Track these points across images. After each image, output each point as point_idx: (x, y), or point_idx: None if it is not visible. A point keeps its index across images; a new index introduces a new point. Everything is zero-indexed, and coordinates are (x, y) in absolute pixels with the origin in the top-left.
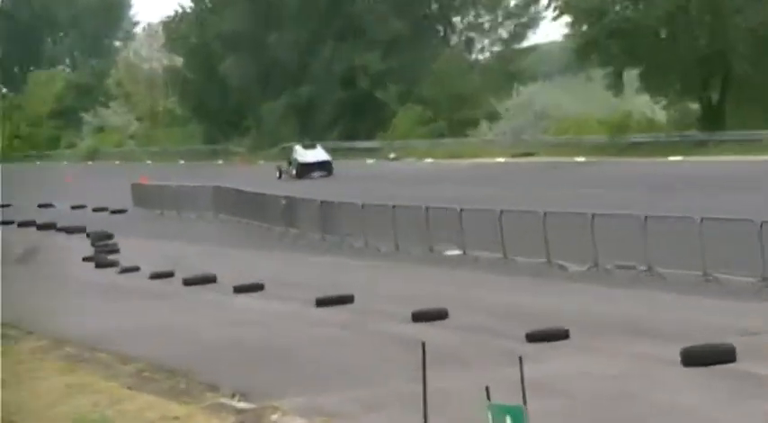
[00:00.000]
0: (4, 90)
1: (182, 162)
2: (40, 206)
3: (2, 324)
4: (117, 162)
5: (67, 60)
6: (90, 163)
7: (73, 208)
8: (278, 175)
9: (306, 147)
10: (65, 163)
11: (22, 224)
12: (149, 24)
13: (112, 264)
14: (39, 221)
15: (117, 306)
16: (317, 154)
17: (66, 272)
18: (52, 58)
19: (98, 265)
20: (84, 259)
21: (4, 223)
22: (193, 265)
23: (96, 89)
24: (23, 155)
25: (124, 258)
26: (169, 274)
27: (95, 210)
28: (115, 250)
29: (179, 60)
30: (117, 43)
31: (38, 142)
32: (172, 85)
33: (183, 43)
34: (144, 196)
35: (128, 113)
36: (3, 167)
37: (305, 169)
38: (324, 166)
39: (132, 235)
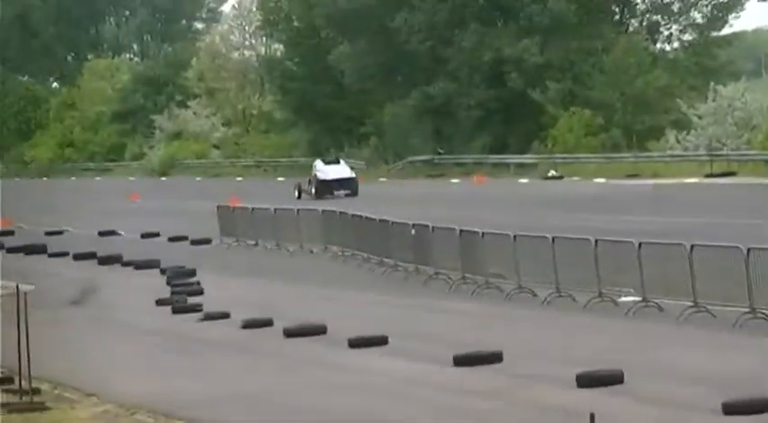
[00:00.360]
0: (54, 84)
1: (281, 179)
2: (101, 234)
3: (55, 384)
4: (198, 178)
5: (135, 46)
6: (163, 178)
7: (143, 236)
8: (296, 194)
9: (327, 162)
10: (131, 178)
11: (78, 257)
12: (240, 1)
13: (194, 309)
14: (100, 253)
15: (199, 363)
16: (340, 170)
17: (134, 318)
18: (115, 43)
19: (175, 311)
20: (158, 302)
21: (57, 255)
22: (297, 311)
23: (171, 84)
24: (78, 167)
25: (209, 302)
26: (266, 323)
27: (172, 239)
28: (197, 291)
29: (279, 48)
30: (198, 25)
31: (96, 151)
32: (269, 81)
33: (285, 26)
34: (233, 222)
35: (212, 116)
36: (51, 183)
37: (325, 187)
38: (347, 184)
39: (219, 272)
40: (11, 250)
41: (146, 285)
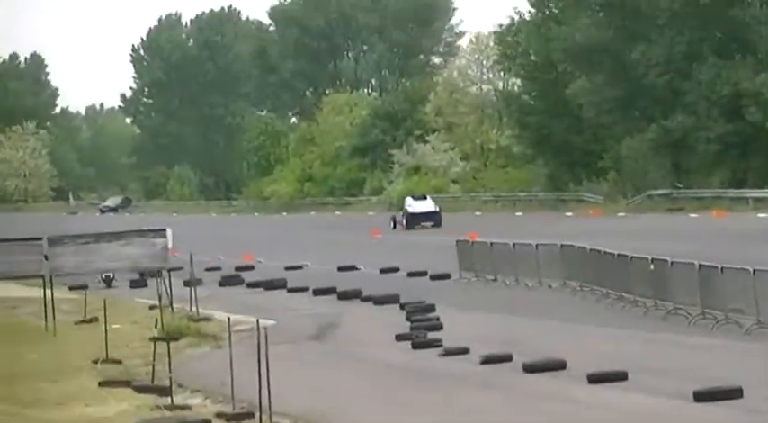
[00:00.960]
0: (293, 119)
1: (519, 214)
2: (340, 269)
3: (295, 419)
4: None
5: (373, 81)
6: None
7: (382, 271)
8: (392, 225)
9: (416, 198)
10: (370, 213)
11: (318, 291)
12: (477, 36)
13: (433, 344)
14: (339, 288)
15: (438, 398)
16: (426, 205)
17: (373, 353)
18: (354, 78)
19: (415, 346)
20: (398, 337)
21: (296, 290)
22: (536, 346)
23: (410, 119)
24: (317, 202)
25: (448, 337)
26: (506, 358)
27: (411, 274)
28: (437, 326)
29: (516, 82)
30: (436, 60)
31: (335, 186)
32: (507, 115)
33: (522, 61)
34: (472, 257)
35: (450, 150)
36: (291, 218)
37: (413, 219)
38: (431, 217)
39: (458, 307)
40: (251, 285)
41: (385, 320)
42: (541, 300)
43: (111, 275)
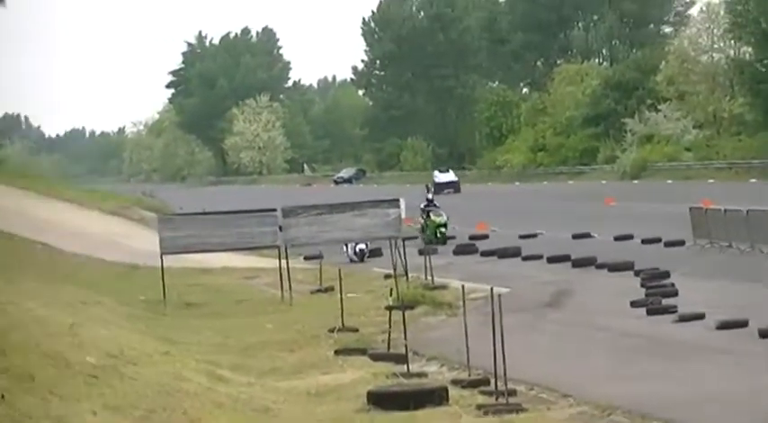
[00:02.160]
0: (525, 90)
1: (753, 181)
2: (574, 237)
3: (531, 385)
4: (669, 181)
5: (604, 51)
6: (635, 181)
7: (616, 239)
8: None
9: (441, 171)
10: (603, 181)
11: (552, 259)
12: (708, 5)
13: (668, 310)
14: (573, 256)
15: (673, 365)
16: (448, 176)
17: (608, 320)
18: (584, 48)
19: (650, 312)
20: (632, 304)
21: (531, 258)
22: None
23: (641, 88)
24: (550, 171)
25: (683, 303)
26: (741, 324)
27: (645, 241)
28: (672, 293)
29: (747, 51)
30: (666, 29)
31: (568, 155)
32: (739, 83)
33: (753, 29)
34: (706, 224)
35: (683, 119)
36: (523, 187)
37: (439, 187)
38: (452, 185)
39: (692, 273)
40: (485, 254)
41: (619, 287)
42: None
43: (365, 249)
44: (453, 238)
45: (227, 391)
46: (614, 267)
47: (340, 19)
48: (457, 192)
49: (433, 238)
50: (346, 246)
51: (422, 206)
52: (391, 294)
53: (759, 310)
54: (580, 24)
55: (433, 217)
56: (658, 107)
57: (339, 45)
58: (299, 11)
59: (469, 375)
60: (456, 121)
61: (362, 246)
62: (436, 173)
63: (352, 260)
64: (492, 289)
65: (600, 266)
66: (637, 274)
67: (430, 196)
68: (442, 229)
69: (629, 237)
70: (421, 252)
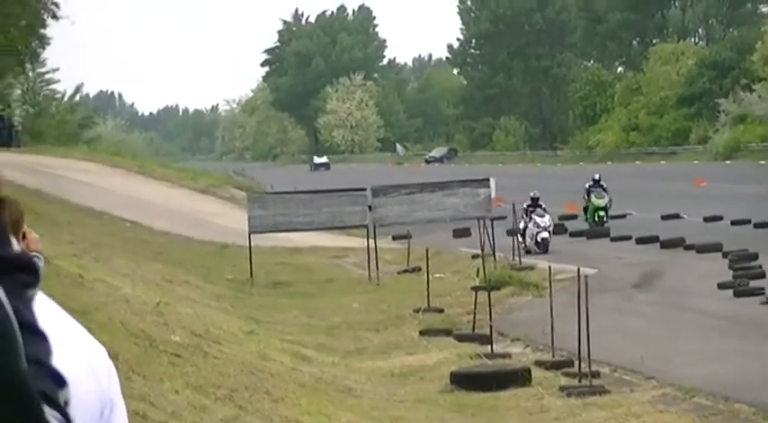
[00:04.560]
0: (619, 69)
1: None
2: (663, 218)
3: (615, 367)
4: (762, 162)
5: (700, 31)
6: (728, 162)
7: (706, 220)
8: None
9: (318, 156)
10: (695, 162)
11: (641, 240)
12: None
13: (756, 292)
14: (662, 237)
15: (760, 346)
16: (323, 159)
17: (695, 301)
18: (680, 27)
19: (737, 294)
20: (720, 286)
21: (619, 239)
22: None
23: (737, 68)
24: (642, 151)
25: None
26: None
27: (734, 223)
28: (760, 275)
29: None
30: (764, 9)
31: (661, 136)
32: None
33: None
34: None
35: None
36: (615, 167)
37: (316, 167)
38: (325, 165)
39: None
40: (573, 234)
41: (707, 269)
42: None
43: (548, 237)
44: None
45: (310, 370)
46: (702, 249)
47: None
48: (327, 169)
49: (592, 221)
50: (523, 234)
51: (586, 186)
52: (478, 275)
53: None
54: (677, 3)
55: (593, 199)
56: (753, 87)
57: (435, 24)
58: None
59: (553, 356)
60: (550, 100)
61: (546, 234)
62: (315, 157)
63: (530, 251)
64: (579, 270)
65: (688, 248)
66: (725, 255)
67: (597, 176)
68: (601, 213)
69: (719, 218)
70: (509, 232)
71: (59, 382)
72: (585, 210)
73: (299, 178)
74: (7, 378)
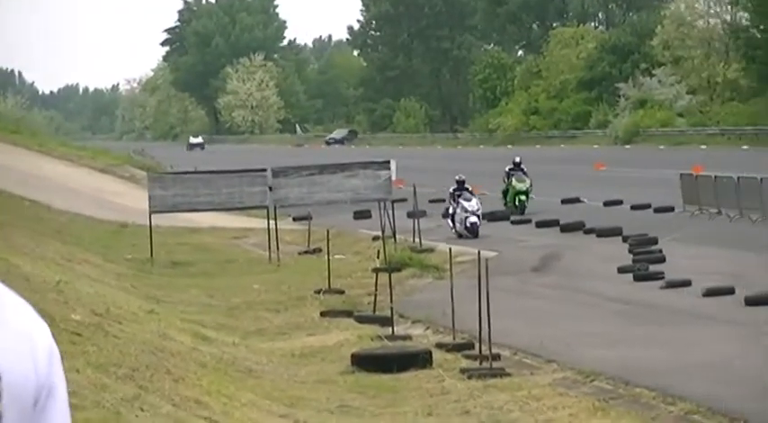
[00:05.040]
0: (520, 52)
1: (745, 147)
2: (563, 202)
3: (515, 350)
4: (661, 146)
5: (600, 14)
6: (627, 146)
7: (606, 204)
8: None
9: (194, 136)
10: (595, 146)
11: (541, 224)
12: None
13: (655, 276)
14: (562, 221)
15: (659, 331)
16: (198, 140)
17: (595, 285)
18: (580, 11)
19: (637, 278)
20: (620, 270)
21: (520, 222)
22: (759, 280)
23: (637, 52)
24: (542, 135)
25: (670, 269)
26: (728, 291)
27: (634, 207)
28: (659, 259)
29: (744, 16)
30: None
31: (561, 119)
32: (734, 49)
33: None
34: (697, 190)
35: (677, 84)
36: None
37: (191, 147)
38: (200, 145)
39: (681, 240)
40: None
41: (608, 253)
42: (766, 234)
43: (478, 222)
44: (443, 200)
45: (210, 351)
46: (603, 233)
47: None
48: (203, 149)
49: (512, 205)
50: (452, 218)
51: (506, 169)
52: (378, 256)
53: (746, 277)
54: None
55: (514, 182)
56: (653, 72)
57: (335, 5)
58: None
59: (454, 339)
60: (450, 83)
61: (475, 218)
62: (191, 137)
63: (461, 235)
64: (479, 252)
65: (588, 232)
66: (625, 239)
67: (518, 159)
68: (522, 197)
69: (619, 202)
70: (410, 214)
71: None
72: (505, 193)
73: (199, 158)
74: None
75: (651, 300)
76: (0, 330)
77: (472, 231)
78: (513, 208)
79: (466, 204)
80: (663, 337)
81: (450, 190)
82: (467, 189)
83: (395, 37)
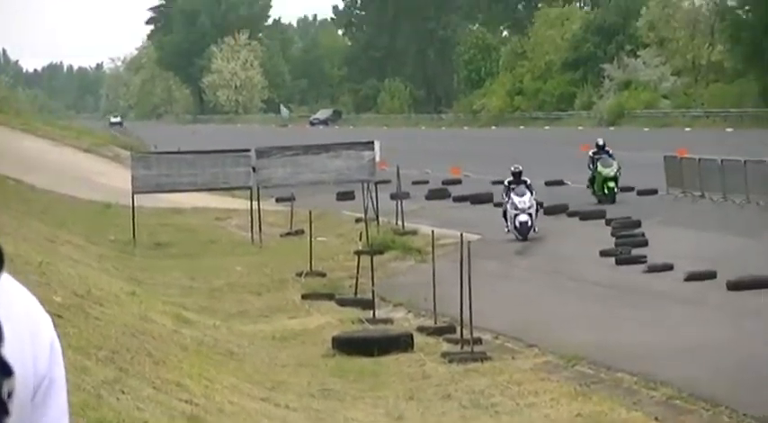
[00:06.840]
0: (505, 33)
1: (729, 130)
2: (547, 184)
3: (497, 334)
4: (645, 128)
5: None
6: (611, 128)
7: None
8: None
9: (114, 116)
10: (580, 127)
11: None
12: None
13: (638, 260)
14: (546, 203)
15: (641, 315)
16: (117, 119)
17: (578, 268)
18: None
19: (619, 262)
20: (602, 253)
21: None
22: (741, 263)
23: (622, 33)
24: (527, 116)
25: (653, 253)
26: (710, 276)
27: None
28: (642, 243)
29: None
30: None
31: (546, 100)
32: (720, 30)
33: None
34: (681, 173)
35: (661, 65)
36: (500, 132)
37: (111, 126)
38: (119, 124)
39: (664, 223)
40: (457, 199)
41: (591, 236)
42: (749, 217)
43: (531, 221)
44: (426, 182)
45: (191, 333)
46: (586, 216)
47: None
48: (121, 126)
49: (602, 193)
50: (504, 215)
51: (590, 153)
52: (361, 239)
53: (728, 261)
54: None
55: (600, 167)
56: (638, 53)
57: None
58: None
59: (435, 323)
60: (435, 63)
61: (525, 217)
62: (111, 117)
63: (516, 237)
64: (462, 235)
65: (572, 214)
66: (608, 222)
67: (601, 142)
68: (610, 184)
69: None
70: (393, 196)
71: (6, 371)
72: (592, 181)
73: (183, 138)
74: None
75: (633, 284)
76: (12, 328)
77: (522, 232)
78: (602, 196)
79: (517, 200)
80: (644, 321)
81: (506, 182)
82: (524, 182)
83: (380, 17)
